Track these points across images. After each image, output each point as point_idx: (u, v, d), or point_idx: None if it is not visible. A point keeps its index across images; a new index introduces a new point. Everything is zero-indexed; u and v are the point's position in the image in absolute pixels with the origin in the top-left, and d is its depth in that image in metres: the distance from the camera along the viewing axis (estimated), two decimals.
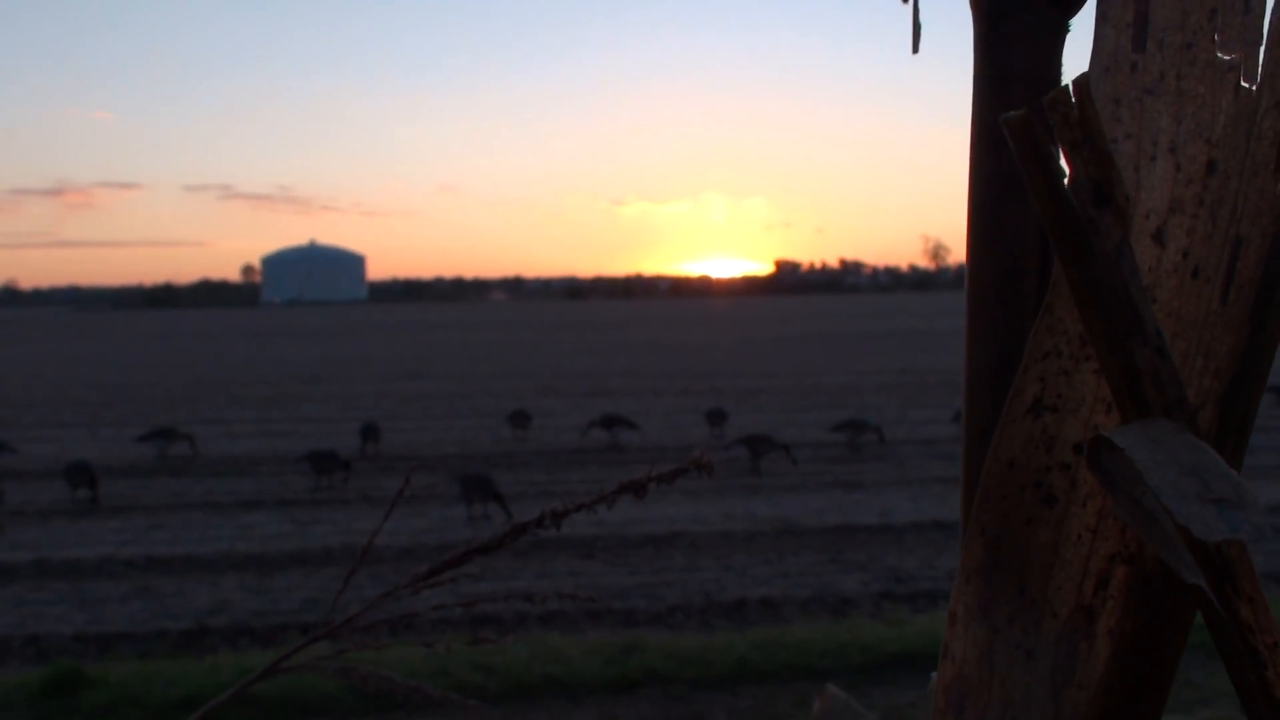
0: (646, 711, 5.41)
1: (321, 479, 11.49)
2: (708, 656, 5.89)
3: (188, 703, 5.26)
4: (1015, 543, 0.60)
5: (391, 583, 0.71)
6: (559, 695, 5.56)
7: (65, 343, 45.27)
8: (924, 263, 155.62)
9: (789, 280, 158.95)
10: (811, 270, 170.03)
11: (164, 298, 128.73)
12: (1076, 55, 0.65)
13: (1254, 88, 0.57)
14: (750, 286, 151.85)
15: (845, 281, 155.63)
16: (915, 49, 0.71)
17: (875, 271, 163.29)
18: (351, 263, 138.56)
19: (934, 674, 0.64)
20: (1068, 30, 0.65)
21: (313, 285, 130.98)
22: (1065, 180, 0.47)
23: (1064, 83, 0.54)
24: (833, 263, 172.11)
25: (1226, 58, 0.58)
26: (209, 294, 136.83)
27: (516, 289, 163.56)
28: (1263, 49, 0.57)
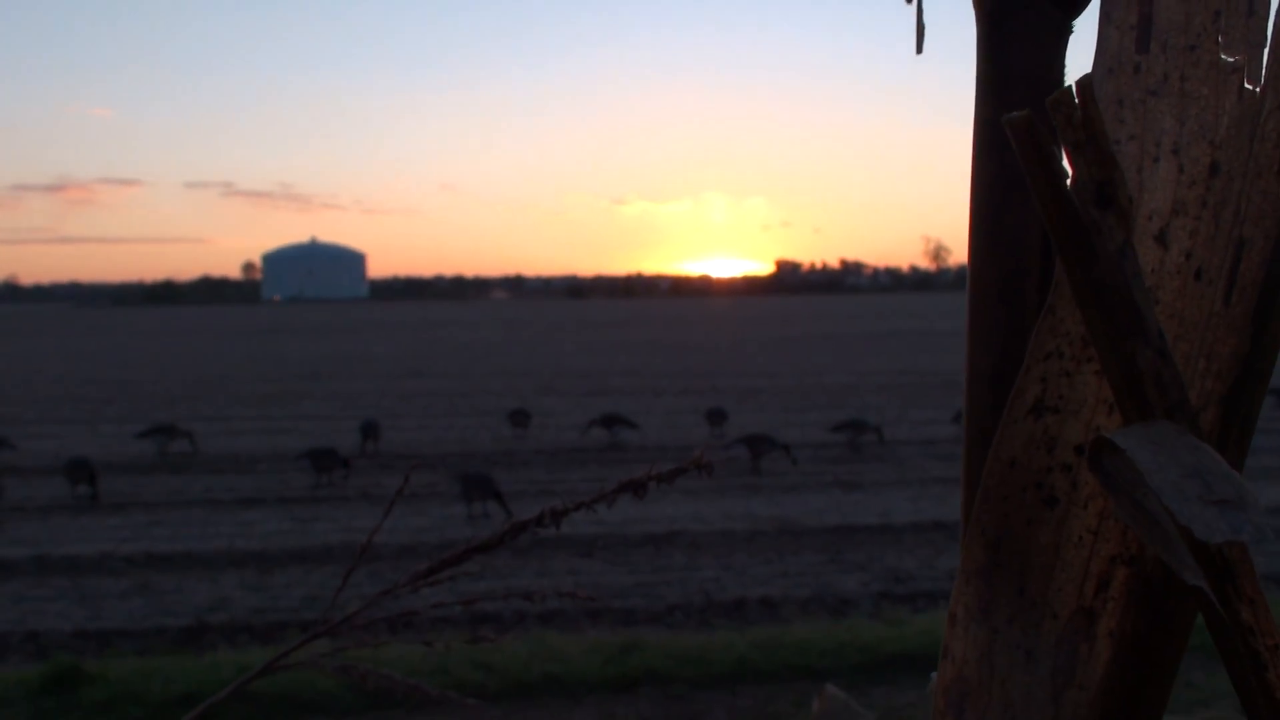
0: (646, 711, 5.41)
1: (321, 476, 11.49)
2: (707, 656, 5.89)
3: (187, 699, 5.26)
4: (1016, 544, 0.60)
5: (391, 581, 0.71)
6: (558, 694, 5.56)
7: (66, 339, 45.28)
8: (925, 264, 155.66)
9: (790, 280, 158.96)
10: (812, 270, 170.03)
11: (165, 294, 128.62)
12: (1080, 56, 0.65)
13: (1258, 90, 0.57)
14: (751, 286, 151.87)
15: (846, 282, 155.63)
16: (919, 49, 0.71)
17: (876, 272, 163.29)
18: (352, 260, 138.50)
19: (934, 674, 0.64)
20: (1071, 31, 0.64)
21: (313, 283, 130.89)
22: (1068, 181, 0.47)
23: (1067, 83, 0.54)
24: (833, 263, 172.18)
25: (1230, 59, 0.58)
26: (210, 291, 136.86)
27: (517, 287, 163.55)
28: (1267, 51, 0.57)
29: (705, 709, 5.42)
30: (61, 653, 6.24)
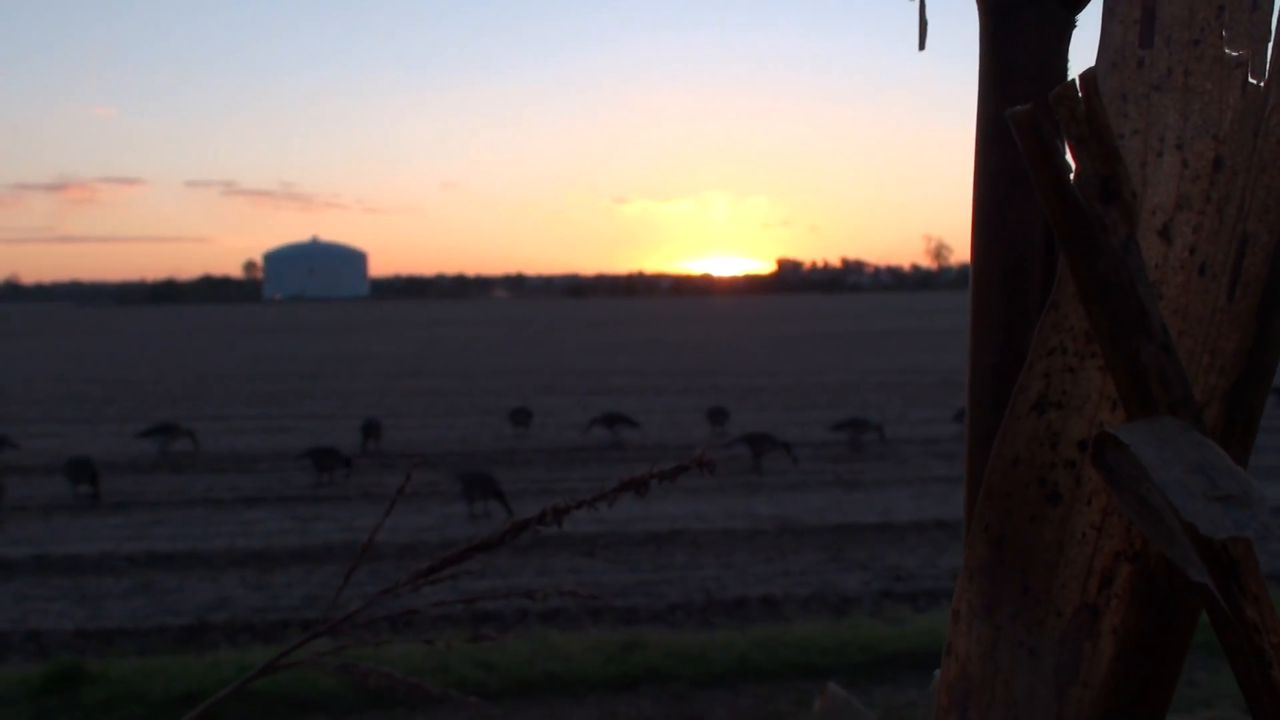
0: (647, 709, 5.41)
1: (323, 475, 11.49)
2: (709, 654, 5.89)
3: (188, 698, 5.27)
4: (1019, 540, 0.59)
5: (392, 579, 0.71)
6: (559, 693, 5.56)
7: (67, 338, 45.30)
8: (926, 262, 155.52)
9: (790, 279, 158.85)
10: (813, 269, 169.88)
11: (166, 293, 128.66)
12: (1083, 51, 0.65)
13: (1262, 84, 0.57)
14: (752, 285, 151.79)
15: (847, 281, 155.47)
16: (922, 45, 0.71)
17: (877, 271, 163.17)
18: (354, 259, 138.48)
19: (937, 672, 0.63)
20: (1074, 26, 0.64)
21: (315, 282, 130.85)
22: (1071, 176, 0.47)
23: (1070, 78, 0.54)
24: (834, 262, 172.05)
25: (1234, 54, 0.58)
26: (211, 290, 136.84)
27: (518, 286, 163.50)
28: (1270, 45, 0.57)
29: (707, 708, 5.42)
30: (63, 652, 6.25)
